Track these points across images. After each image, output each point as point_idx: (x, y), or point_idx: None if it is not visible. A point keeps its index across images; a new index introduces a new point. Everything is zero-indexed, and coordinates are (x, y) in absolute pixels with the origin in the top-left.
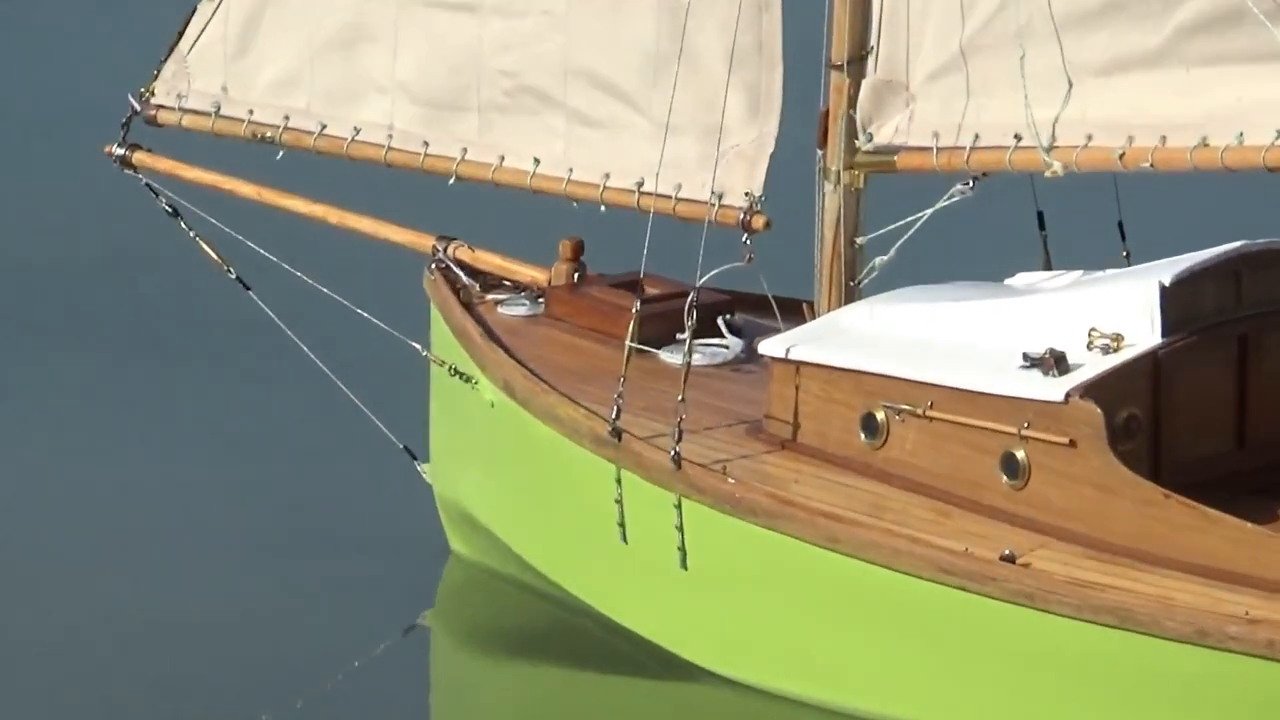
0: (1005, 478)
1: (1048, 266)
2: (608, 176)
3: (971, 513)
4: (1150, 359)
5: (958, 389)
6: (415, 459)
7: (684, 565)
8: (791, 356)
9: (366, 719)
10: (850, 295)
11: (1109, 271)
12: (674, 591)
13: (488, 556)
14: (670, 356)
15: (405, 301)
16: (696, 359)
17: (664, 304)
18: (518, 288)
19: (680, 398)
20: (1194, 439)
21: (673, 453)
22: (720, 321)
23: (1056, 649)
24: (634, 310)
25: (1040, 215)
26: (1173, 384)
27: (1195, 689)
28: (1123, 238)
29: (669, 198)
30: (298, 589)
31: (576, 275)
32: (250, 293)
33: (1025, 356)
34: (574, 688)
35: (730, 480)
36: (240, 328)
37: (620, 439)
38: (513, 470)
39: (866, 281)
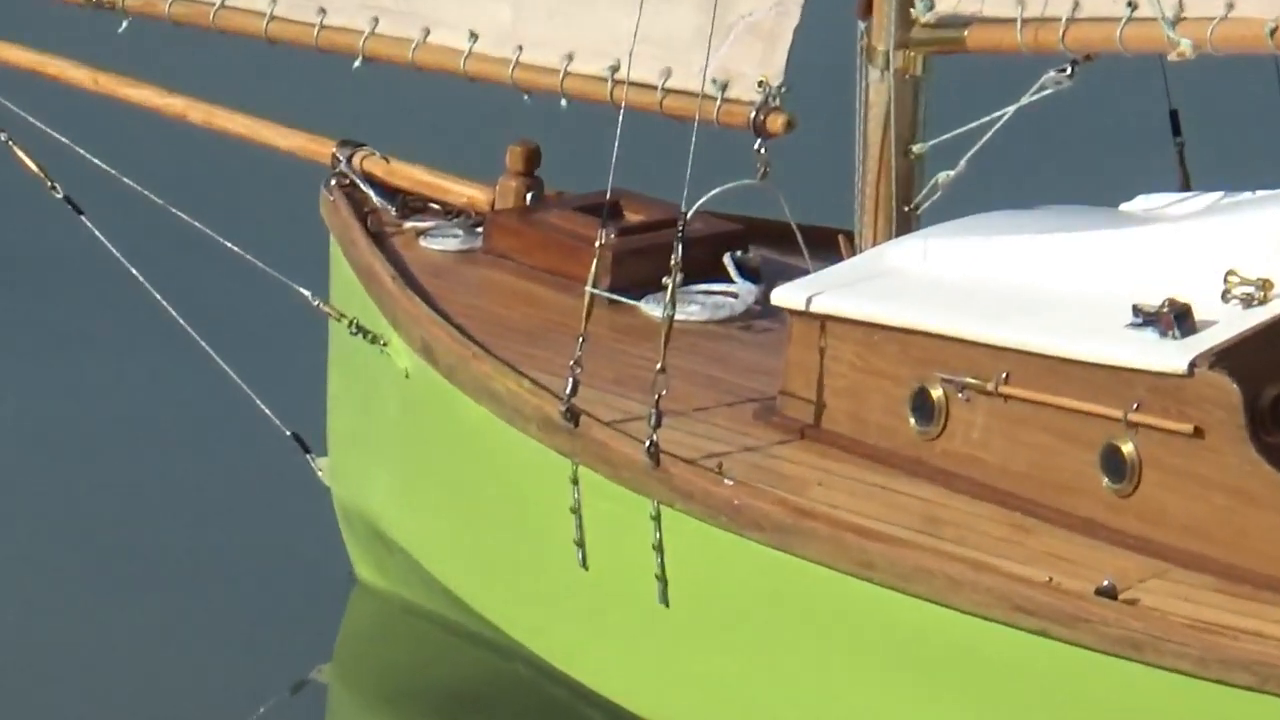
0: (1107, 479)
1: (1185, 187)
2: (570, 58)
3: (1061, 528)
4: None
5: (1042, 355)
6: (308, 452)
7: (664, 600)
8: (815, 309)
9: None
10: (904, 223)
11: (1264, 193)
12: (650, 637)
13: (404, 586)
14: (653, 309)
15: (296, 233)
16: (691, 312)
17: (647, 235)
18: (448, 213)
19: (659, 366)
20: None
21: (648, 443)
22: (728, 260)
23: (1172, 715)
24: (599, 243)
25: (1174, 116)
26: None
27: None
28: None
29: (653, 87)
30: (148, 635)
31: (529, 195)
32: (84, 218)
33: (1135, 310)
34: None
35: (727, 481)
36: (68, 265)
37: (577, 423)
38: (434, 466)
39: (926, 206)
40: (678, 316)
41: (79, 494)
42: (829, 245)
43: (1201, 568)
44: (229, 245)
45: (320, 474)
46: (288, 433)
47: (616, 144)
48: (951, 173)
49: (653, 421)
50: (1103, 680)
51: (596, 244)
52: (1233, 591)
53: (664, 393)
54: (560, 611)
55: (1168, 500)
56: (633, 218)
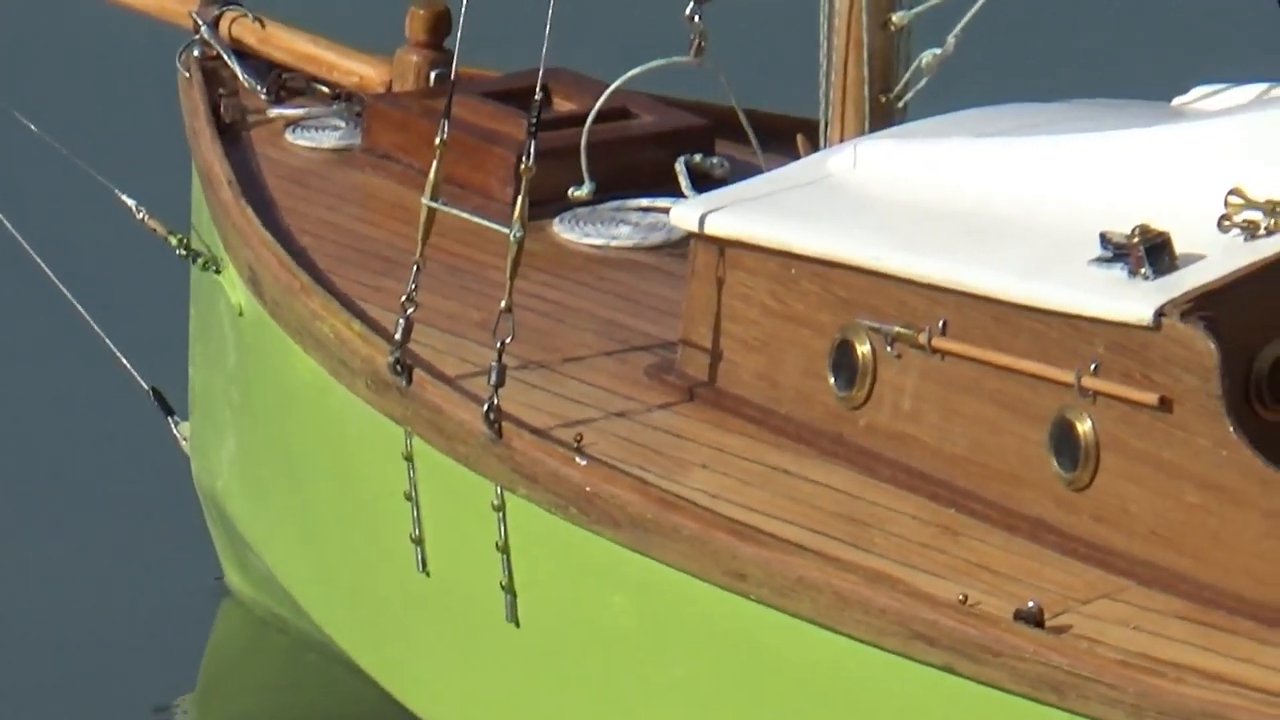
0: (1057, 465)
1: None
2: None
3: (1000, 529)
4: None
5: (986, 299)
6: (171, 415)
7: (513, 617)
8: (716, 232)
9: None
10: (882, 117)
11: None
12: (497, 661)
13: (265, 592)
14: (570, 231)
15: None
16: (617, 235)
17: (573, 131)
18: (336, 96)
19: (504, 305)
20: None
21: (487, 407)
22: (680, 166)
23: None
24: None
25: None
26: None
27: None
28: None
29: None
30: None
31: (432, 75)
32: None
33: (1104, 240)
34: None
35: (580, 461)
36: None
37: (410, 379)
38: (267, 433)
39: (911, 95)
40: (600, 240)
41: None
42: (790, 143)
43: (1168, 586)
44: (56, 146)
45: (183, 444)
46: (147, 388)
47: (550, 8)
48: (939, 51)
49: (494, 379)
50: None
51: (437, 141)
52: (1204, 619)
53: (507, 340)
54: (396, 626)
55: (1130, 494)
56: (562, 107)
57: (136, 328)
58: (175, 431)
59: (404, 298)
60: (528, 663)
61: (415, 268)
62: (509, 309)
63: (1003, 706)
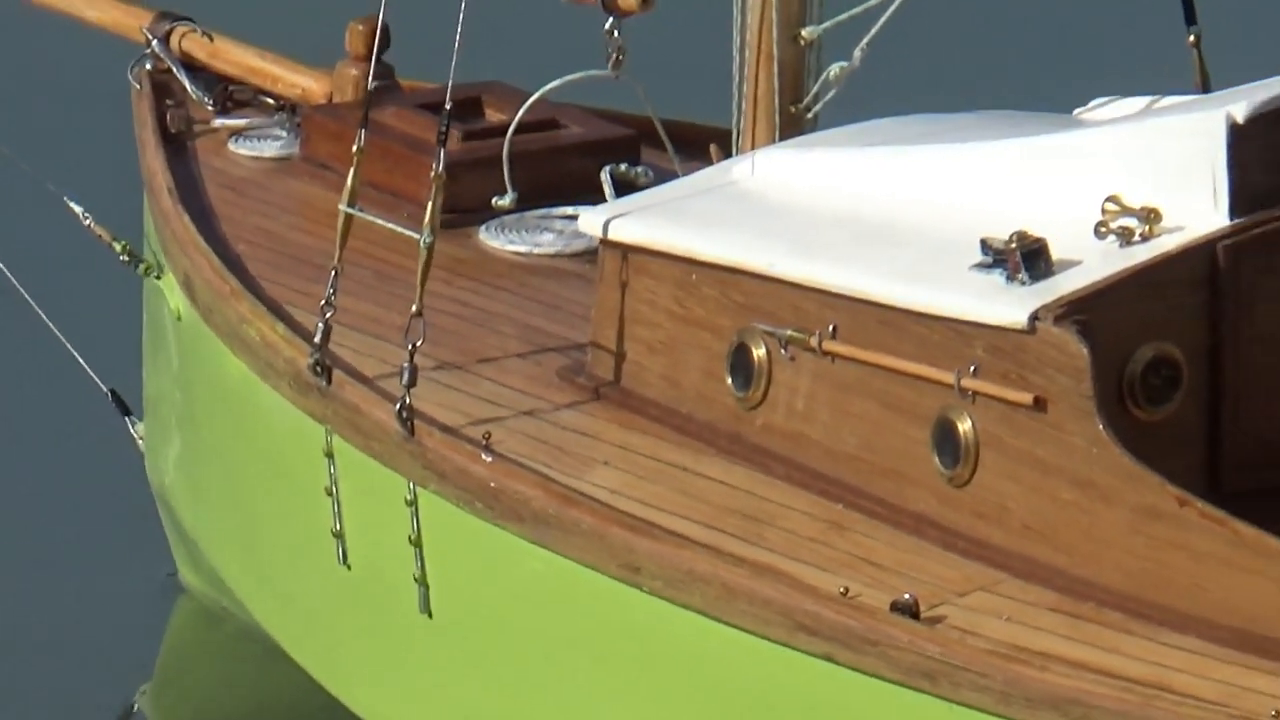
0: (940, 463)
1: (1204, 88)
2: None
3: (887, 524)
4: (1206, 257)
5: (872, 303)
6: (128, 414)
7: (426, 608)
8: (621, 238)
9: None
10: (792, 127)
11: (1195, 98)
12: (414, 655)
13: (213, 587)
14: (496, 238)
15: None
16: (541, 242)
17: (500, 141)
18: (280, 108)
19: (415, 309)
20: None
21: (399, 406)
22: (606, 175)
23: None
24: (356, 148)
25: (1188, 3)
26: (1252, 303)
27: None
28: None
29: None
30: None
31: (374, 88)
32: None
33: (984, 246)
34: None
35: (485, 458)
36: None
37: (329, 379)
38: (203, 433)
39: (820, 107)
40: (525, 248)
41: None
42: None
43: (1041, 579)
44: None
45: (139, 443)
46: (106, 390)
47: (462, 10)
48: (845, 65)
49: (406, 379)
50: (901, 715)
51: (354, 149)
52: (1073, 610)
53: (418, 343)
54: (324, 620)
55: (1008, 491)
56: (494, 118)
57: (95, 332)
58: (132, 431)
59: (323, 302)
60: (439, 652)
61: (334, 273)
62: (419, 313)
63: (881, 694)
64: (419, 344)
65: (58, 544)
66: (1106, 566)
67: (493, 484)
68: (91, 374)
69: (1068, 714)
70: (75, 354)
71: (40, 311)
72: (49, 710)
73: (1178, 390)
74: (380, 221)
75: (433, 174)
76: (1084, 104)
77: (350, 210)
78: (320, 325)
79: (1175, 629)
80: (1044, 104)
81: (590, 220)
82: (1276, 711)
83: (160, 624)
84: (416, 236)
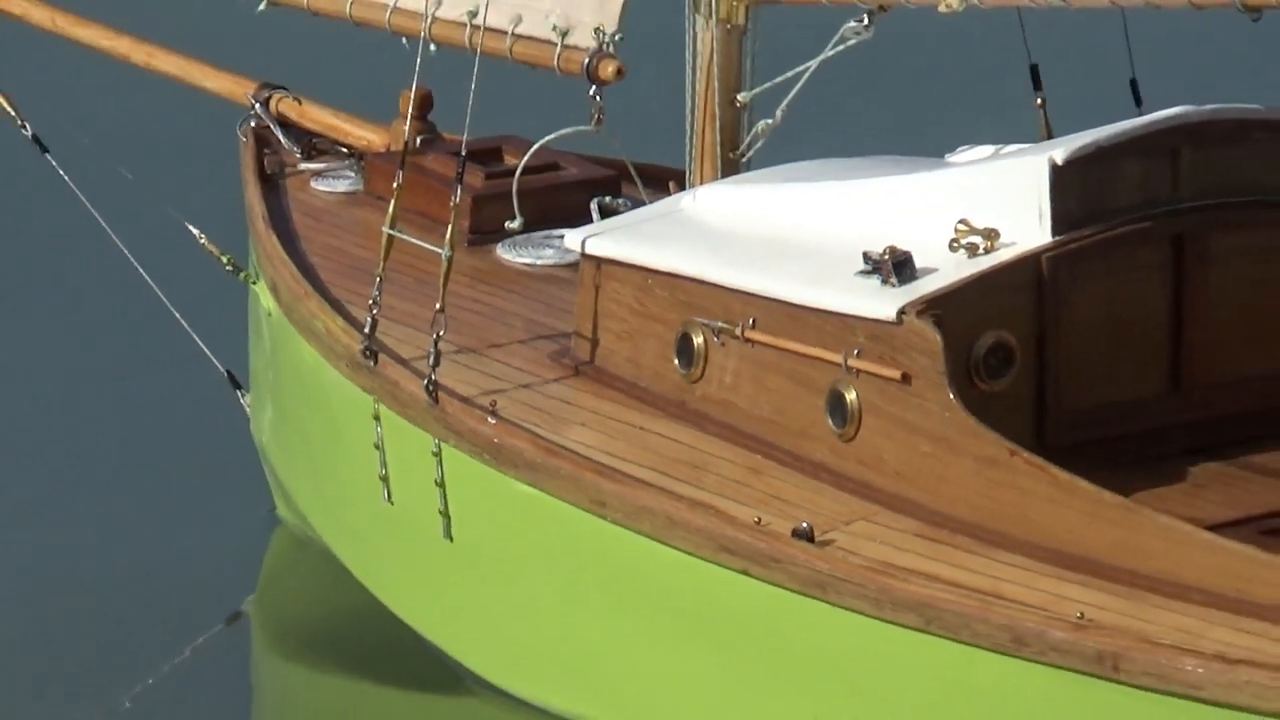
0: (832, 424)
1: (1048, 137)
2: (438, 2)
3: (793, 470)
4: (1033, 265)
5: (780, 301)
6: (239, 388)
7: (448, 534)
8: (595, 252)
9: None
10: (731, 170)
11: (1032, 145)
12: (440, 571)
13: (303, 522)
14: (507, 253)
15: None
16: (544, 256)
17: (521, 179)
18: (350, 155)
19: (439, 305)
20: (1103, 379)
21: (427, 381)
22: (593, 205)
23: (853, 656)
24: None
25: (1034, 70)
26: (1069, 301)
27: (1017, 715)
28: (1137, 102)
29: (503, 33)
30: (81, 565)
31: (420, 140)
32: (48, 156)
33: (865, 258)
34: (395, 699)
35: (490, 420)
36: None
37: (376, 361)
38: (288, 403)
39: (751, 154)
40: (531, 260)
41: (24, 420)
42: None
43: (908, 512)
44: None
45: (247, 410)
46: (224, 370)
47: (474, 86)
48: (770, 121)
49: (432, 360)
50: (797, 619)
51: (394, 185)
52: (931, 536)
53: (442, 332)
54: (375, 543)
55: (882, 445)
56: (510, 162)
57: (215, 327)
58: (242, 402)
59: (371, 301)
60: (458, 568)
61: (378, 279)
62: (442, 309)
63: (784, 601)
64: (442, 334)
65: (185, 489)
66: (956, 502)
67: (496, 440)
68: (213, 359)
69: (923, 615)
70: (201, 344)
71: (175, 313)
72: (176, 614)
73: (1012, 368)
74: (413, 240)
75: (452, 204)
76: (953, 149)
77: (390, 231)
78: (369, 319)
79: (1008, 550)
80: (925, 149)
81: (572, 239)
82: (1081, 614)
83: (262, 549)
84: (440, 252)
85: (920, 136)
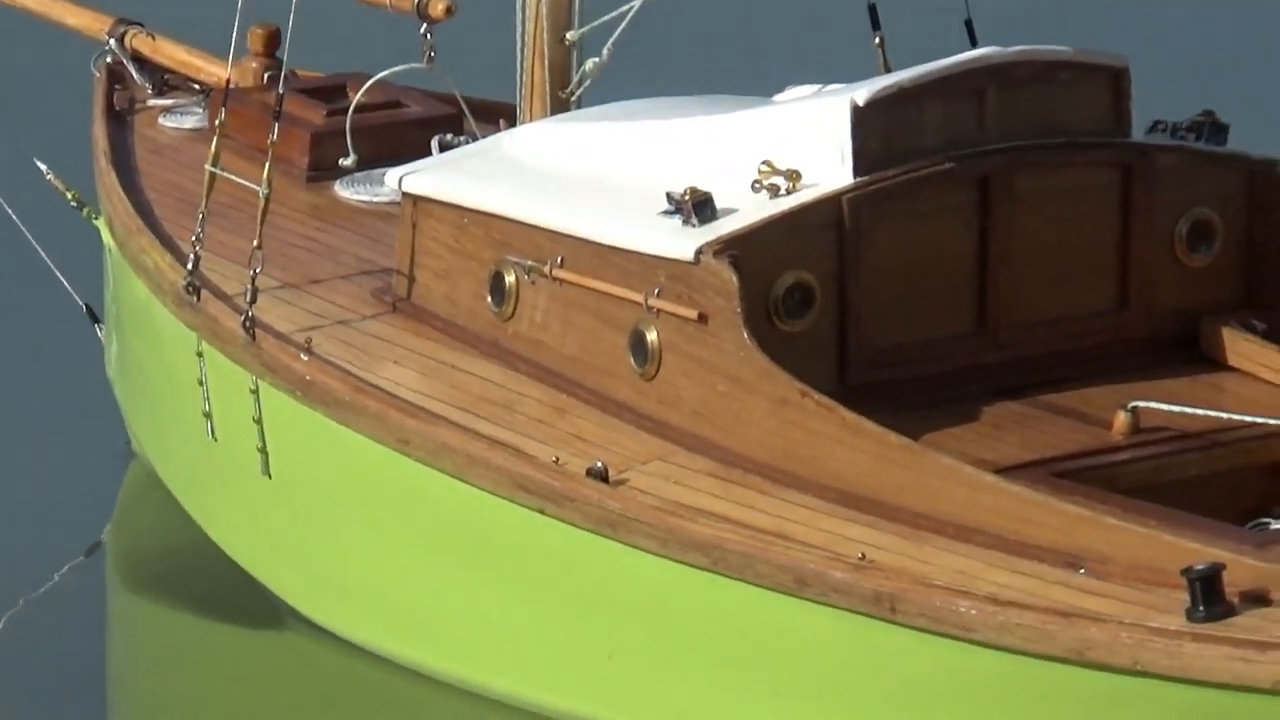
0: (634, 363)
1: None
2: None
3: (596, 409)
4: (834, 206)
5: (586, 240)
6: (98, 322)
7: (266, 471)
8: (414, 190)
9: (42, 663)
10: (562, 110)
11: (844, 86)
12: (260, 507)
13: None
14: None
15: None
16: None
17: (360, 117)
18: (202, 92)
19: (255, 243)
20: (907, 319)
21: (244, 318)
22: (435, 143)
23: (645, 595)
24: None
25: (873, 10)
26: (871, 241)
27: (802, 654)
28: (973, 43)
29: None
30: None
31: (267, 76)
32: None
33: (668, 197)
34: (228, 635)
35: (303, 358)
36: None
37: (199, 297)
38: (127, 339)
39: (581, 92)
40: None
41: None
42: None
43: (704, 451)
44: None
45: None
46: (82, 304)
47: (291, 21)
48: (598, 60)
49: (249, 297)
50: (591, 557)
51: (216, 123)
52: (725, 476)
53: (259, 270)
54: (202, 479)
55: (681, 385)
56: (358, 101)
57: (77, 260)
58: (100, 335)
59: (194, 238)
60: (276, 505)
61: (201, 216)
62: (259, 246)
63: (579, 539)
64: (259, 271)
65: (44, 420)
66: (751, 442)
67: (307, 377)
68: (72, 293)
69: (709, 555)
70: (61, 278)
71: (37, 246)
72: (36, 539)
73: (812, 308)
74: (231, 177)
75: (270, 140)
76: (785, 89)
77: (211, 169)
78: (191, 255)
79: (799, 490)
80: (760, 89)
81: (391, 176)
82: (863, 555)
83: (119, 480)
84: (257, 189)
85: (756, 77)
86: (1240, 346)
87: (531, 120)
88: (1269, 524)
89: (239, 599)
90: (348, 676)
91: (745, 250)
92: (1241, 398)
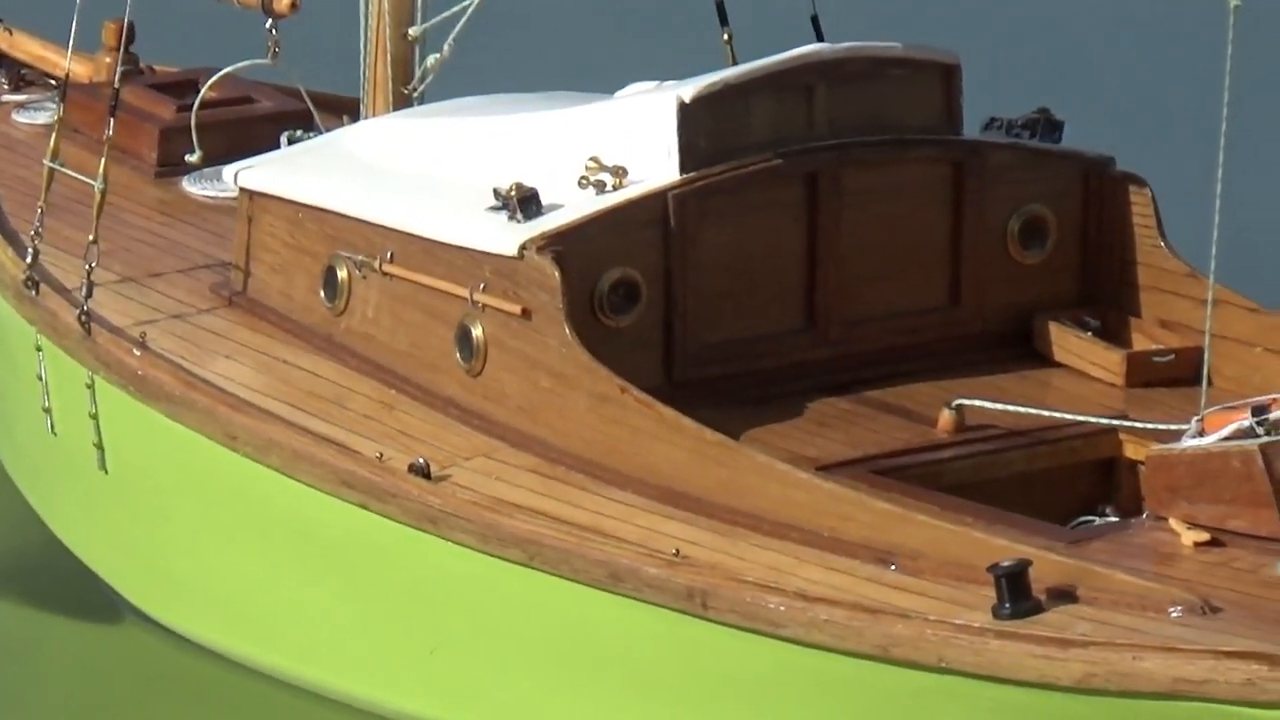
0: (460, 358)
1: None
2: None
3: (424, 405)
4: (659, 202)
5: (415, 236)
6: None
7: (103, 466)
8: (251, 185)
9: None
10: (404, 105)
11: (676, 83)
12: (98, 502)
13: None
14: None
15: None
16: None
17: (208, 112)
18: (59, 87)
19: (91, 237)
20: (735, 315)
21: (80, 312)
22: (284, 138)
23: (466, 591)
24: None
25: (720, 7)
26: (697, 238)
27: (618, 649)
28: (819, 38)
29: None
30: None
31: (121, 72)
32: None
33: (495, 194)
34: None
35: (136, 352)
36: None
37: (37, 291)
38: None
39: (424, 87)
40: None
41: None
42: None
43: (528, 447)
44: None
45: None
46: None
47: (127, 14)
48: (439, 56)
49: (84, 292)
50: (414, 553)
51: (55, 120)
52: (547, 472)
53: (94, 264)
54: (43, 474)
55: (506, 380)
56: (208, 96)
57: None
58: None
59: (32, 232)
60: (113, 500)
61: (40, 210)
62: (95, 241)
63: (402, 535)
64: (94, 265)
65: None
66: (573, 438)
67: (140, 372)
68: None
69: (526, 550)
70: None
71: None
72: None
73: (638, 304)
74: (69, 173)
75: (105, 136)
76: (625, 87)
77: (50, 164)
78: (30, 250)
79: (618, 487)
80: (607, 85)
81: (228, 172)
82: (677, 550)
83: None
84: (93, 184)
85: (602, 74)
86: (1071, 344)
87: (375, 115)
88: (1093, 521)
89: (82, 594)
90: (187, 672)
91: (569, 246)
92: (1070, 395)
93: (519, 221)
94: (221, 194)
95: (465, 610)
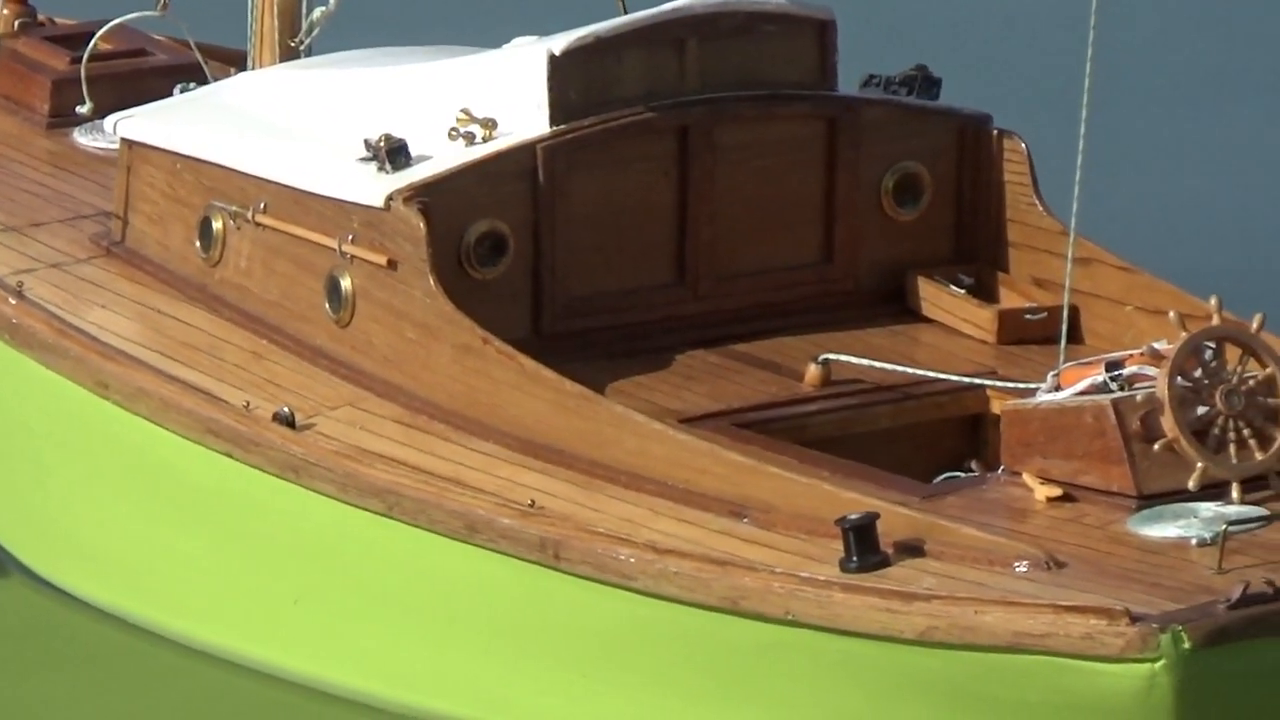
0: (329, 309)
1: None
2: None
3: (294, 355)
4: (528, 155)
5: (286, 187)
6: None
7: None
8: (131, 135)
9: None
10: (291, 55)
11: (556, 37)
12: (17, 469)
13: None
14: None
15: None
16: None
17: (100, 65)
18: None
19: None
20: (604, 269)
21: None
22: (178, 91)
23: (328, 540)
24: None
25: None
26: (566, 190)
27: (476, 600)
28: None
29: None
30: None
31: (18, 23)
32: None
33: (365, 144)
34: None
35: (11, 301)
36: None
37: None
38: None
39: (310, 41)
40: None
41: None
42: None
43: (393, 398)
44: None
45: None
46: None
47: None
48: (326, 9)
49: None
50: (277, 501)
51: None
52: (410, 422)
53: None
54: None
55: (373, 331)
56: (101, 47)
57: None
58: None
59: None
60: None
61: None
62: None
63: (266, 483)
64: None
65: None
66: (437, 389)
67: (14, 320)
68: None
69: (385, 500)
70: None
71: None
72: None
73: (505, 256)
74: (73, 134)
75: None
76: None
77: None
78: None
79: (480, 438)
80: (493, 40)
81: (109, 121)
82: (533, 501)
83: None
84: (83, 143)
85: (493, 28)
86: (944, 300)
87: (261, 67)
88: (958, 477)
89: None
90: (69, 626)
91: (435, 197)
92: (941, 352)
93: (387, 172)
94: (112, 146)
95: (327, 560)
